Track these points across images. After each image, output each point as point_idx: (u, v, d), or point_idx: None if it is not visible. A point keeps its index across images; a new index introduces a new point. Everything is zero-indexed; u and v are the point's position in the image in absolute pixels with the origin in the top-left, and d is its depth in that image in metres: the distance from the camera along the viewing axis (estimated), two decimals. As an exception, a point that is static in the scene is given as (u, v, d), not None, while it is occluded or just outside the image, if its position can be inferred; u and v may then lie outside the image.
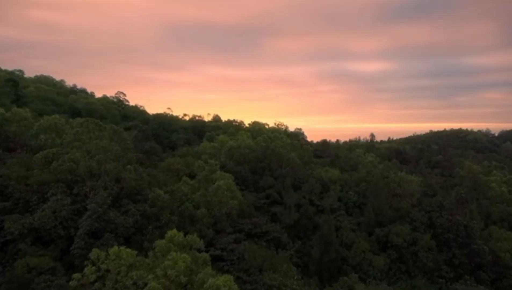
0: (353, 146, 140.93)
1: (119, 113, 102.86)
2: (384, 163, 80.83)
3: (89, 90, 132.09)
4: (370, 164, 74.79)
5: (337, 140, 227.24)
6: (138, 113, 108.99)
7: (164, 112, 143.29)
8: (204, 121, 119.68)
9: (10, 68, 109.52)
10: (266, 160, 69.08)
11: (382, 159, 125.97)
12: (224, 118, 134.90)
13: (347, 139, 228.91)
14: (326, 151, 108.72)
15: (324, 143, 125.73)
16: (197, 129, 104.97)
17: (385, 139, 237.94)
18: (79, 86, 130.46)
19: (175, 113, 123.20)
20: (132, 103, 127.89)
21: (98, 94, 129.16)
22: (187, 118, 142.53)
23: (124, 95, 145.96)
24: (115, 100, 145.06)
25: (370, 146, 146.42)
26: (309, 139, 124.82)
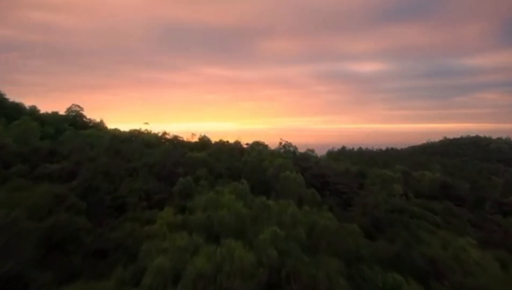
0: (388, 178, 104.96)
1: (46, 147, 66.39)
2: (486, 256, 44.45)
3: (34, 104, 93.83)
4: (473, 263, 38.68)
5: (343, 147, 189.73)
6: (81, 145, 71.94)
7: (140, 129, 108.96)
8: (183, 151, 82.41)
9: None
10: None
11: (428, 200, 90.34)
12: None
13: (355, 147, 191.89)
14: (350, 186, 75.76)
15: (346, 173, 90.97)
16: (168, 170, 68.41)
17: (397, 146, 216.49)
18: (11, 99, 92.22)
19: (157, 127, 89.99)
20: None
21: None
22: (167, 136, 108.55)
23: (81, 108, 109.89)
24: (72, 114, 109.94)
25: (407, 176, 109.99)
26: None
